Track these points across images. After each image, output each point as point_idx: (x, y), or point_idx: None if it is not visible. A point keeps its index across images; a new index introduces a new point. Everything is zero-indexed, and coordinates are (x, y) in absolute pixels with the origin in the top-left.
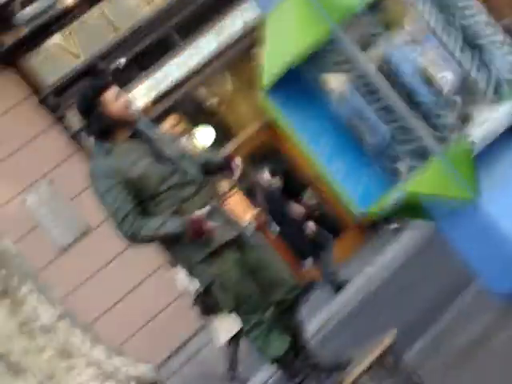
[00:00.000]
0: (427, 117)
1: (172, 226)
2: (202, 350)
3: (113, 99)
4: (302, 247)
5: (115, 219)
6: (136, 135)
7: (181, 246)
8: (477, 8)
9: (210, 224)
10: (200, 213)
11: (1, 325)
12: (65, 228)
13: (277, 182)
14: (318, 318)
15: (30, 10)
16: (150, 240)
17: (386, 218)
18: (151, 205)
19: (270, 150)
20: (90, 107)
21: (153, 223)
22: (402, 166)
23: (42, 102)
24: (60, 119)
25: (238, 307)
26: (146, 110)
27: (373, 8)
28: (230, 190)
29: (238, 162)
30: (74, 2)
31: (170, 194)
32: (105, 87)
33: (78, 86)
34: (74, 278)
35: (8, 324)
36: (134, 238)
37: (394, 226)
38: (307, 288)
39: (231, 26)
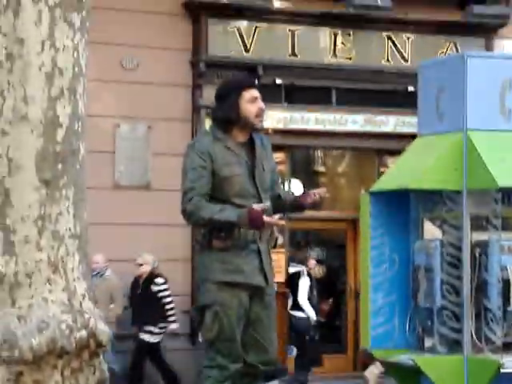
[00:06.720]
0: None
1: (230, 214)
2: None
3: (250, 99)
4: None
5: (185, 195)
6: (250, 143)
7: (211, 258)
8: None
9: (269, 219)
10: (258, 206)
11: None
12: (131, 171)
13: (319, 272)
14: None
15: None
16: (205, 223)
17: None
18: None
19: (333, 241)
20: (228, 94)
21: (213, 207)
22: (428, 340)
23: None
24: (199, 86)
25: (216, 342)
26: (267, 132)
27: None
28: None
29: (321, 192)
30: None
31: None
32: (250, 86)
33: (233, 74)
34: (109, 215)
35: None
36: (192, 216)
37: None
38: (278, 372)
39: (384, 122)
